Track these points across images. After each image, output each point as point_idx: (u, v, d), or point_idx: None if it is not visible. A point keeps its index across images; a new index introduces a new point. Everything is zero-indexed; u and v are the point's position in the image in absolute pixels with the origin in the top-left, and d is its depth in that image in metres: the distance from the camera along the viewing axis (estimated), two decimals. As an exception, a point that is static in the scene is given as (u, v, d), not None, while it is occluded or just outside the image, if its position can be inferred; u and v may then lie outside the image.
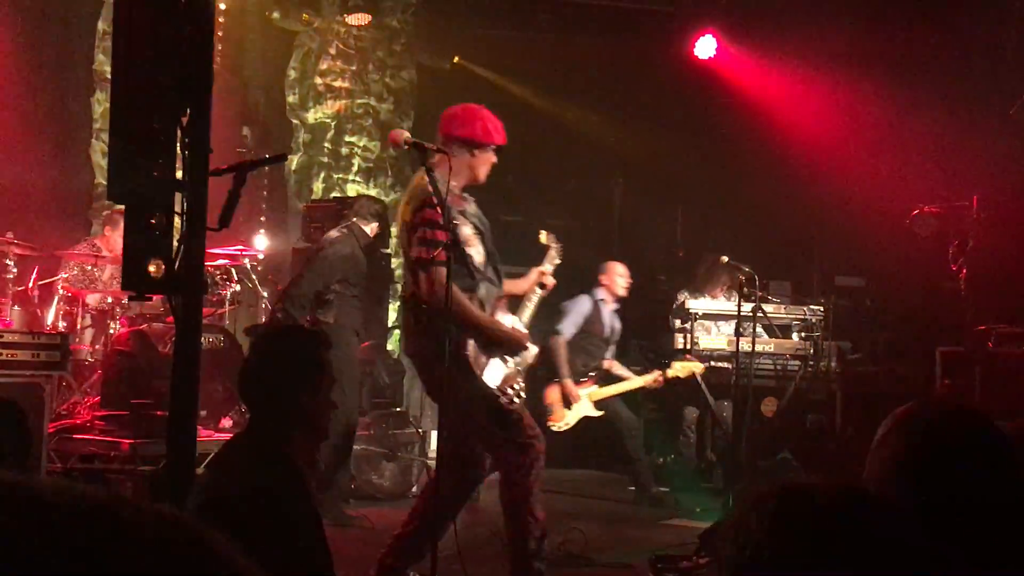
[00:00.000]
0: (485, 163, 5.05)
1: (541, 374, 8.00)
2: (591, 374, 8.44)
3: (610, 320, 8.62)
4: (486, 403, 4.90)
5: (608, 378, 8.50)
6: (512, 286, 5.28)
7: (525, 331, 5.07)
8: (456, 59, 11.92)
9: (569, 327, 8.39)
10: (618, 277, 8.56)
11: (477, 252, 4.92)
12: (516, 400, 4.98)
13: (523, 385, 5.09)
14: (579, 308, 8.49)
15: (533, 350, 5.19)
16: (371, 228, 7.59)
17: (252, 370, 3.12)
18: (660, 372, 8.29)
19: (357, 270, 7.43)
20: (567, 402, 8.25)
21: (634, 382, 8.40)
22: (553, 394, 8.28)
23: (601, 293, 8.56)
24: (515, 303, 5.32)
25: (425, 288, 4.74)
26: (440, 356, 4.62)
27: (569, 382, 8.24)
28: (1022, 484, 1.83)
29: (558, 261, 5.44)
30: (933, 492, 1.81)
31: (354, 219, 7.57)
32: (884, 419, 1.97)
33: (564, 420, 8.22)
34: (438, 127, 5.10)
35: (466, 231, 4.89)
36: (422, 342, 4.92)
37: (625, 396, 8.49)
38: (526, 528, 5.04)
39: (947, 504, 1.80)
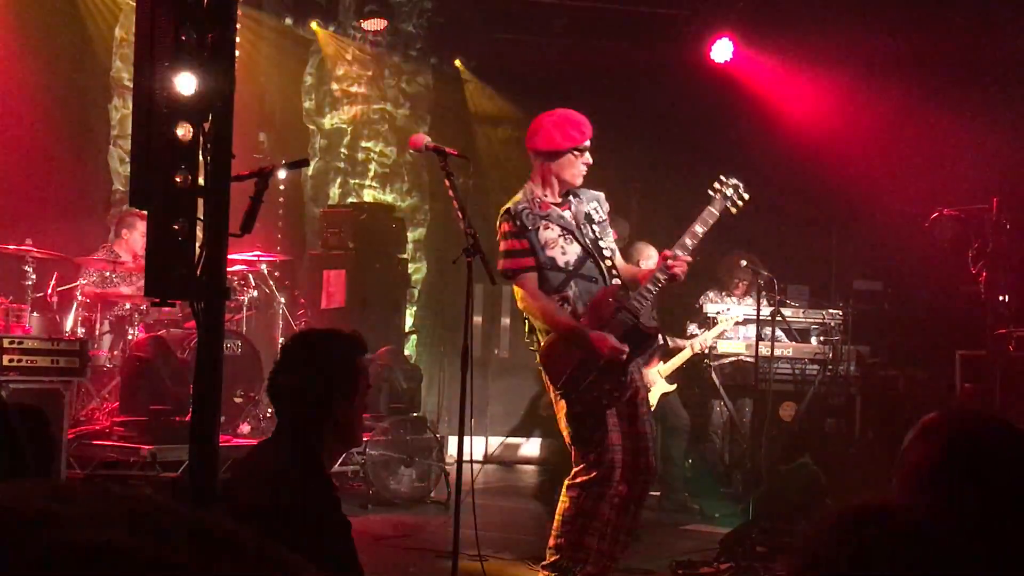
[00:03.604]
0: (567, 167, 5.11)
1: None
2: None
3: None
4: (565, 409, 5.01)
5: (667, 351, 8.35)
6: (635, 272, 5.29)
7: (616, 349, 4.89)
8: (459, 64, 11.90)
9: None
10: (649, 262, 8.46)
11: (563, 252, 5.04)
12: (604, 403, 4.97)
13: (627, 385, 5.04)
14: None
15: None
16: None
17: (285, 375, 3.06)
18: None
19: None
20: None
21: (689, 349, 8.25)
22: None
23: None
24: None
25: (517, 297, 5.07)
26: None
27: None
28: None
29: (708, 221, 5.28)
30: (962, 499, 1.80)
31: None
32: (904, 423, 1.96)
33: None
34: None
35: (548, 234, 5.04)
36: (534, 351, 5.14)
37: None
38: (562, 544, 5.02)
39: (975, 510, 1.79)
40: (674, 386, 8.18)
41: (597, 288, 5.05)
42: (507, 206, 5.12)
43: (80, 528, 0.55)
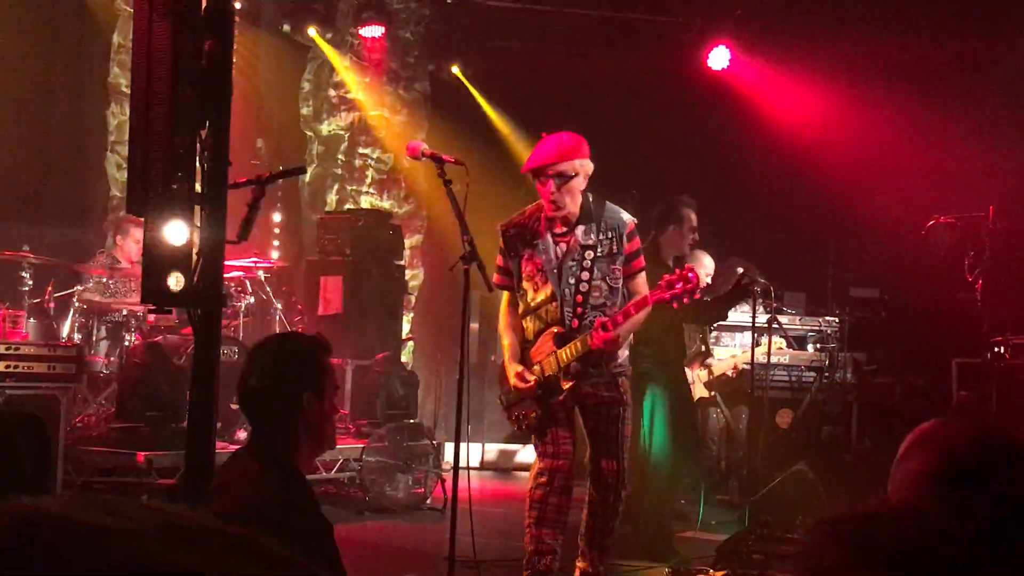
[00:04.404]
0: (540, 192, 5.04)
1: None
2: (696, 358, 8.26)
3: None
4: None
5: (706, 361, 8.30)
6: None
7: (518, 383, 5.06)
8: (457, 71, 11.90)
9: None
10: (703, 271, 8.40)
11: (534, 289, 5.09)
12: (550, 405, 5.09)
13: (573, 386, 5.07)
14: None
15: None
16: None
17: (254, 379, 3.01)
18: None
19: None
20: None
21: (727, 363, 8.22)
22: None
23: None
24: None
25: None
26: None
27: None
28: None
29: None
30: (964, 505, 1.80)
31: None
32: (901, 430, 1.96)
33: None
34: None
35: (528, 268, 5.11)
36: None
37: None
38: (526, 541, 5.13)
39: (978, 516, 1.78)
40: (712, 394, 8.20)
41: (539, 326, 5.10)
42: (506, 221, 5.21)
43: (137, 543, 0.57)
